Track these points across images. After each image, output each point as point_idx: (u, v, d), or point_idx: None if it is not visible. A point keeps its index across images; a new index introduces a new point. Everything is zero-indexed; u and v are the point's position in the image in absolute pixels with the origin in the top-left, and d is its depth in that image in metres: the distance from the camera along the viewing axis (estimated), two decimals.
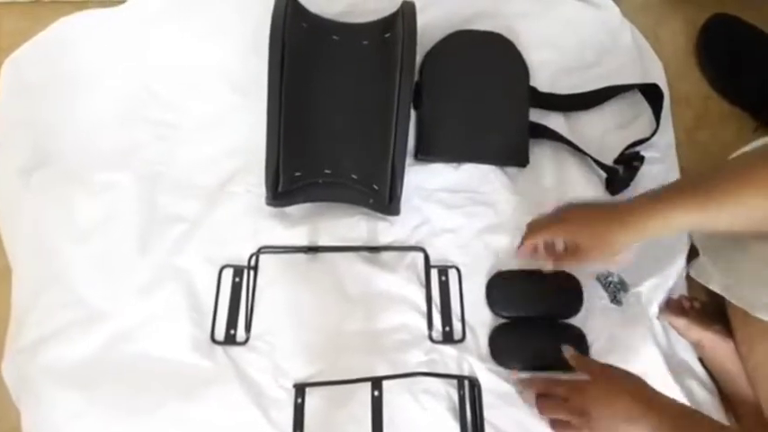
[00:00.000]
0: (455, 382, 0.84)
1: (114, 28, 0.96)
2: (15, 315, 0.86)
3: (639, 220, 0.74)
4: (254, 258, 0.87)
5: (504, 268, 0.90)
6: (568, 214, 0.85)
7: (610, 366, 0.77)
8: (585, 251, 0.80)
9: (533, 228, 0.88)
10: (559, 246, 0.85)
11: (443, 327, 0.87)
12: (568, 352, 0.81)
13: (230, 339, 0.85)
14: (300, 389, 0.81)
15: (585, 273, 0.90)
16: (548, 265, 0.85)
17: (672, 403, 0.71)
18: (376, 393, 0.77)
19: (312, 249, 0.88)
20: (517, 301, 0.89)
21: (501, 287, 0.89)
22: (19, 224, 0.88)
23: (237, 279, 0.87)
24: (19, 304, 0.86)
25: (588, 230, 0.79)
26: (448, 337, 0.86)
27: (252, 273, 0.87)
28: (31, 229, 0.87)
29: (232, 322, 0.85)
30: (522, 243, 0.88)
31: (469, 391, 0.83)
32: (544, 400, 0.80)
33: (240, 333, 0.85)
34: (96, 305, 0.84)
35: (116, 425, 0.80)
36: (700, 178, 0.74)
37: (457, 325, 0.87)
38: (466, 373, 0.85)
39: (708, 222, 0.72)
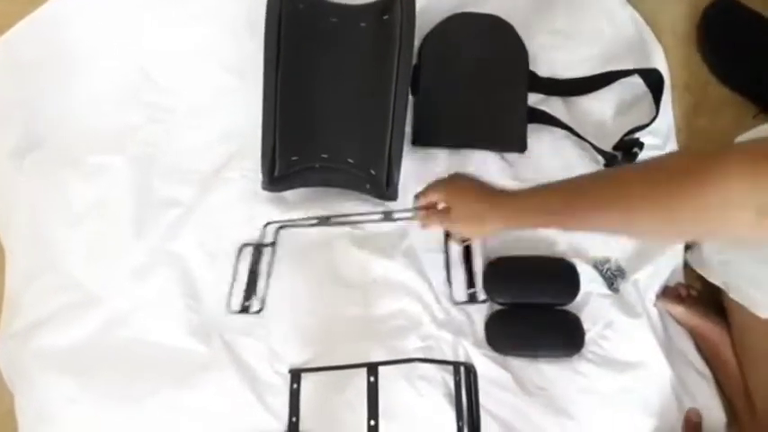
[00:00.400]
0: (451, 368, 0.84)
1: (109, 8, 0.94)
2: (8, 299, 0.85)
3: (512, 213, 0.72)
4: (271, 233, 0.88)
5: (503, 254, 0.90)
6: (452, 182, 0.80)
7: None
8: (456, 220, 0.77)
9: (428, 187, 0.81)
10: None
11: (468, 288, 0.88)
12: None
13: (245, 309, 0.85)
14: (296, 374, 0.81)
15: (583, 260, 0.90)
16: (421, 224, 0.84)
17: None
18: (372, 379, 0.77)
19: (325, 220, 0.87)
20: (513, 287, 0.89)
21: (497, 274, 0.89)
22: (12, 207, 0.87)
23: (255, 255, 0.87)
24: (12, 288, 0.85)
25: (463, 203, 0.76)
26: (472, 298, 0.88)
27: (271, 248, 0.87)
28: (24, 212, 0.87)
29: (247, 296, 0.86)
30: (416, 197, 0.84)
31: (465, 376, 0.83)
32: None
33: (254, 304, 0.86)
34: (90, 289, 0.84)
35: (110, 410, 0.79)
36: (579, 188, 0.66)
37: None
38: (462, 359, 0.85)
39: (552, 223, 0.73)
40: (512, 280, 0.89)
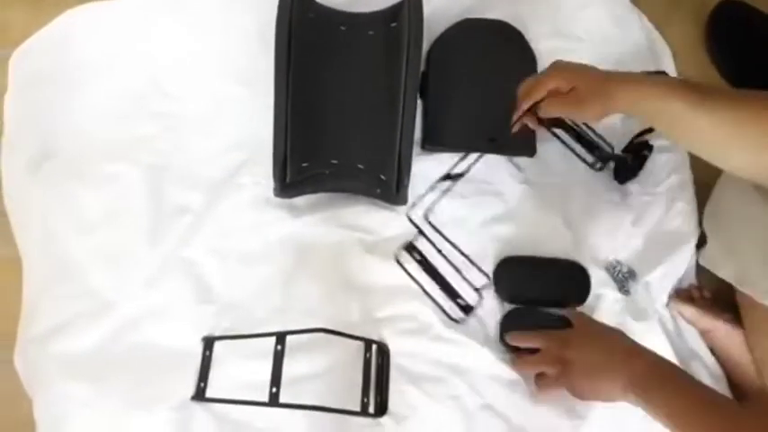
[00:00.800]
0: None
1: (118, 20, 0.96)
2: (26, 305, 0.86)
3: (638, 85, 0.71)
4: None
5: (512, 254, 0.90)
6: (563, 66, 0.77)
7: (589, 318, 0.78)
8: (583, 98, 0.73)
9: (527, 88, 0.79)
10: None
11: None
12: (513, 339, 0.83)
13: None
14: (209, 342, 0.83)
15: (594, 262, 0.90)
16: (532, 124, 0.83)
17: (650, 351, 0.72)
18: (279, 348, 0.78)
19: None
20: (524, 288, 0.89)
21: (508, 274, 0.89)
22: (28, 216, 0.89)
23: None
24: (30, 295, 0.86)
25: (587, 76, 0.74)
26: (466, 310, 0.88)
27: None
28: (39, 221, 0.88)
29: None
30: (518, 113, 0.81)
31: (377, 355, 0.83)
32: (523, 355, 0.81)
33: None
34: (105, 296, 0.85)
35: (126, 414, 0.80)
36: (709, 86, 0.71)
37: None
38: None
39: (692, 121, 0.68)
40: (523, 280, 0.89)
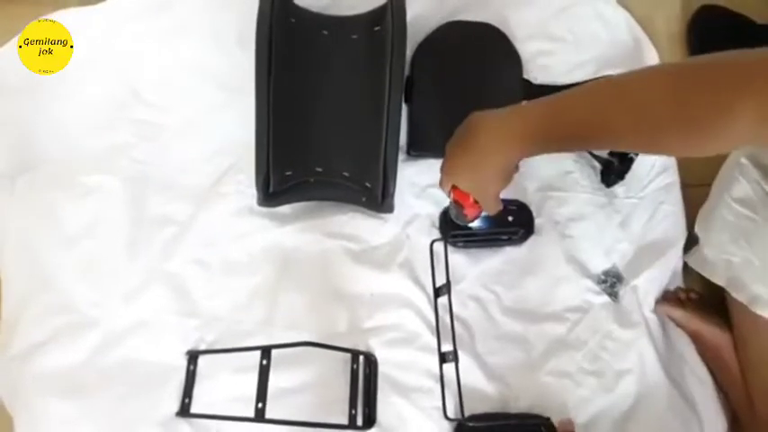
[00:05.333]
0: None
1: (94, 27, 0.94)
2: (5, 321, 0.85)
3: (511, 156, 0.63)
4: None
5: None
6: (451, 161, 0.70)
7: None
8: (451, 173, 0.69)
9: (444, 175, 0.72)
10: None
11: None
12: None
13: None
14: (194, 356, 0.83)
15: (581, 267, 0.90)
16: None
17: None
18: (264, 362, 0.77)
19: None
20: None
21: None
22: (5, 230, 0.87)
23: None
24: (9, 311, 0.85)
25: (469, 178, 0.68)
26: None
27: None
28: (17, 234, 0.86)
29: None
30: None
31: (364, 365, 0.83)
32: None
33: None
34: (86, 311, 0.84)
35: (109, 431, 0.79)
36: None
37: None
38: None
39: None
40: None
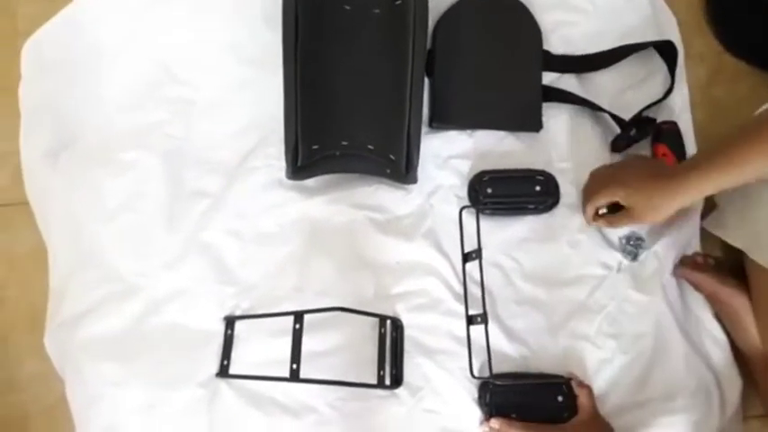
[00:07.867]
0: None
1: (127, 7, 0.96)
2: (54, 291, 0.90)
3: (685, 192, 0.78)
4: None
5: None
6: (625, 175, 0.86)
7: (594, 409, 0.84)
8: (639, 215, 0.83)
9: (590, 193, 0.89)
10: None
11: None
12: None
13: None
14: (231, 321, 0.87)
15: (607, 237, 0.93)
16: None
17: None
18: (297, 326, 0.81)
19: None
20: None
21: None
22: (50, 206, 0.91)
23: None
24: (57, 281, 0.90)
25: (644, 197, 0.81)
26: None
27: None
28: (61, 209, 0.90)
29: None
30: (584, 211, 0.91)
31: (391, 329, 0.86)
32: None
33: None
34: (129, 280, 0.88)
35: (155, 392, 0.84)
36: (720, 145, 0.77)
37: None
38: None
39: (731, 185, 0.76)
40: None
